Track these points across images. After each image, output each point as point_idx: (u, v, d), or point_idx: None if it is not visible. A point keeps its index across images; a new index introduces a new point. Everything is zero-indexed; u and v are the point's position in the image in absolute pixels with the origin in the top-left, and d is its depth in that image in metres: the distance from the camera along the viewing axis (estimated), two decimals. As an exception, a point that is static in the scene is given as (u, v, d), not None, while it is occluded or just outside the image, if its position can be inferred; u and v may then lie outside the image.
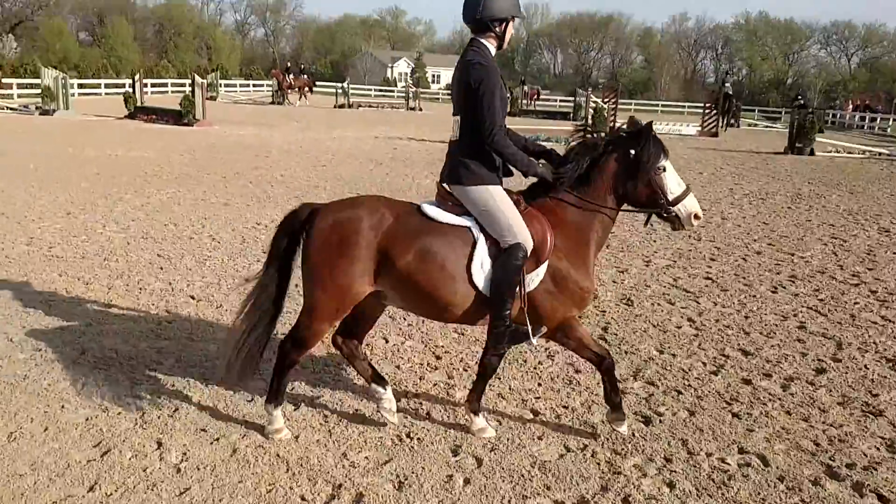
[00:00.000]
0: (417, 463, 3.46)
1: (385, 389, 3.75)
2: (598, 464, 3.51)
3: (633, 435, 3.79)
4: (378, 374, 3.84)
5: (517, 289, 3.45)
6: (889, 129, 35.88)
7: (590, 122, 21.96)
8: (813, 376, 4.68)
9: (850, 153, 21.69)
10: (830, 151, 21.38)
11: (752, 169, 16.53)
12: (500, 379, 4.41)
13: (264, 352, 3.70)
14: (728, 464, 3.54)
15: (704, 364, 4.83)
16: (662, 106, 53.71)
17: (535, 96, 43.04)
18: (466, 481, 3.33)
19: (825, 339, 5.40)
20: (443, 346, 4.97)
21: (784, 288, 6.73)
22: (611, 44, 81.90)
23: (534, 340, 3.56)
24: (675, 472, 3.45)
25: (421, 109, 38.09)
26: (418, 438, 3.69)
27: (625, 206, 3.71)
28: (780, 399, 4.32)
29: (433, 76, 77.01)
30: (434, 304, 3.51)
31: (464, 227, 3.50)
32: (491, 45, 3.54)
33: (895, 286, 6.91)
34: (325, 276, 3.42)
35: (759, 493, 3.29)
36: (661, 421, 3.94)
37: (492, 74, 3.43)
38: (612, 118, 25.32)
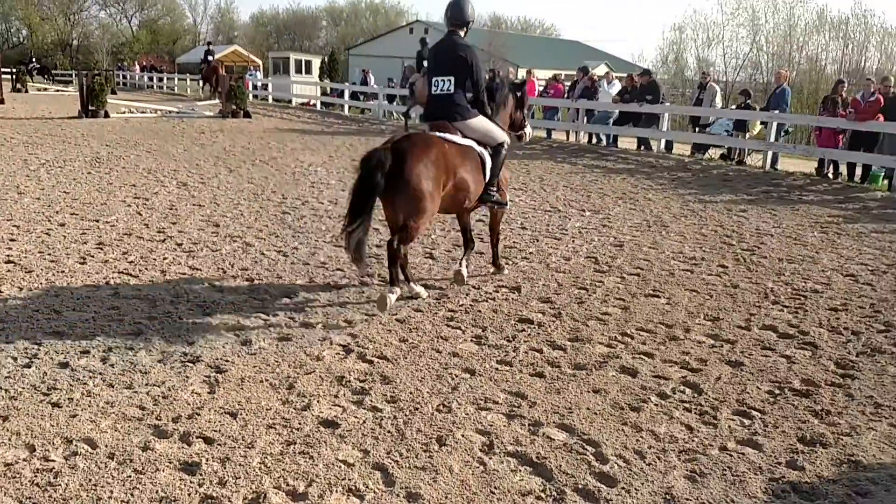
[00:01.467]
0: None
1: (414, 286, 5.73)
2: None
3: (-68, 470, 3.15)
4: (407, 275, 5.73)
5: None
6: (176, 88, 38.65)
7: None
8: (132, 341, 4.71)
9: (143, 113, 22.55)
10: (125, 112, 21.80)
11: (46, 136, 15.58)
12: None
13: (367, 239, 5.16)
14: (53, 460, 3.28)
15: (16, 359, 4.35)
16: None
17: None
18: None
19: (137, 299, 5.50)
20: None
21: (93, 257, 6.58)
22: None
23: (508, 204, 6.28)
24: (-10, 494, 3.01)
25: None
26: None
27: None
28: (101, 373, 4.21)
29: None
30: (470, 197, 5.61)
31: (471, 145, 5.57)
32: (463, 34, 5.69)
33: (198, 236, 7.52)
34: (426, 196, 5.08)
35: (90, 480, 3.14)
36: (-34, 441, 3.39)
37: (479, 55, 5.72)
38: None
